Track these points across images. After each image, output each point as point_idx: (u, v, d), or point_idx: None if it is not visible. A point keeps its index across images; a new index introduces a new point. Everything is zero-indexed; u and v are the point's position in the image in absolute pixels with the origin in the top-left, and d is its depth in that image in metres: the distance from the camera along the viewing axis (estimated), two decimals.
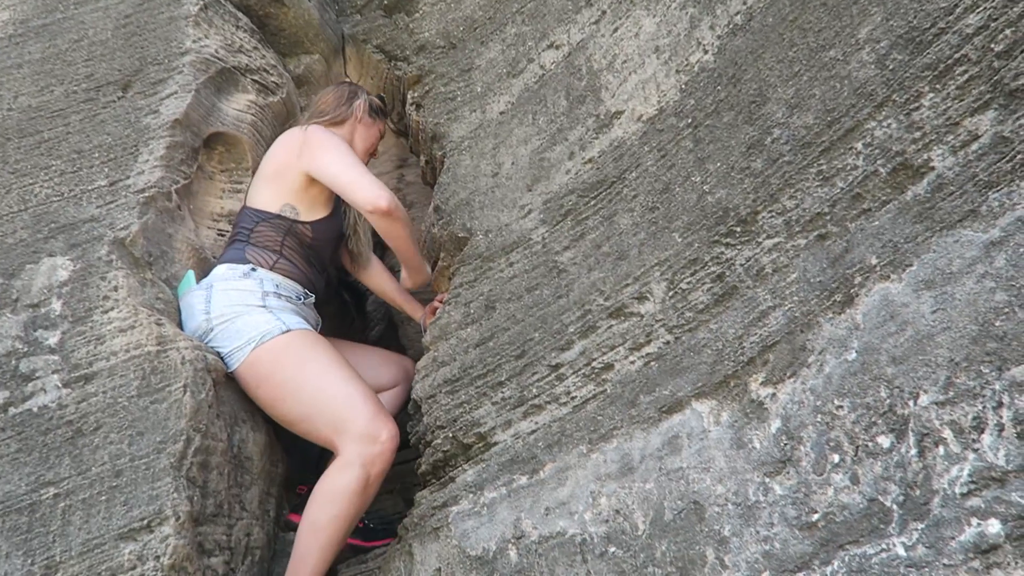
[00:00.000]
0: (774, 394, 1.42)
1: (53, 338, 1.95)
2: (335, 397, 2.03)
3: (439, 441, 2.00)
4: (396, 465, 2.21)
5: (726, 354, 1.53)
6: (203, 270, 2.26)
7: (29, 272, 2.05)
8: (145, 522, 1.73)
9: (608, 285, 1.80)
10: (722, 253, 1.59)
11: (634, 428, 1.65)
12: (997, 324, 1.06)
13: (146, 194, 2.10)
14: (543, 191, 2.06)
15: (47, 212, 2.15)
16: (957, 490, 1.06)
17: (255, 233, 2.25)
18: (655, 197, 1.78)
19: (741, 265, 1.54)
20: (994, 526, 1.01)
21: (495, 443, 1.91)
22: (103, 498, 1.76)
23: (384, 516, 2.50)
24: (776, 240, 1.47)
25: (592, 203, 1.93)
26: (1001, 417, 1.04)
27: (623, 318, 1.76)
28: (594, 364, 1.77)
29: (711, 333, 1.58)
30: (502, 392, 1.93)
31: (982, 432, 1.06)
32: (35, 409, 1.87)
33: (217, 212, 2.38)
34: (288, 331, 2.08)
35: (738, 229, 1.55)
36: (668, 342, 1.66)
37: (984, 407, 1.06)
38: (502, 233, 2.10)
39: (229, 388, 2.03)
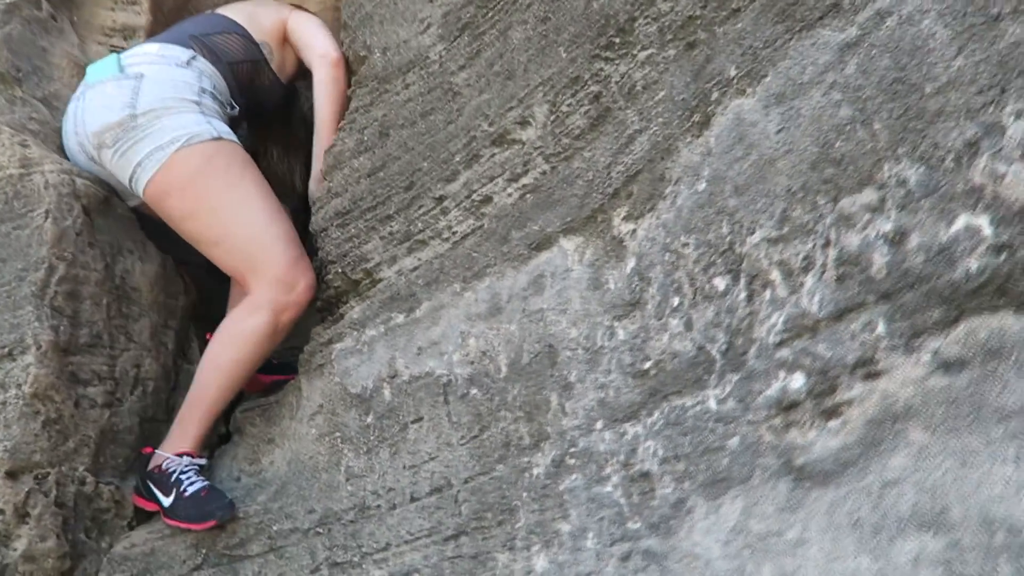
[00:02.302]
0: (634, 230, 1.26)
1: None
2: (256, 231, 1.87)
3: (330, 276, 1.90)
4: None
5: (595, 185, 1.37)
6: None
7: None
8: (7, 350, 1.67)
9: (493, 108, 1.61)
10: (601, 69, 1.38)
11: (505, 266, 1.52)
12: (837, 145, 0.88)
13: (7, 0, 1.90)
14: (442, 2, 1.82)
15: None
16: (771, 339, 0.93)
17: (216, 36, 2.00)
18: (548, 5, 1.55)
19: (616, 82, 1.34)
20: (797, 380, 0.88)
21: (380, 279, 1.80)
22: None
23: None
24: (649, 52, 1.26)
25: (489, 15, 1.70)
26: (827, 257, 0.88)
27: (505, 146, 1.58)
28: (474, 196, 1.62)
29: (584, 162, 1.40)
30: (390, 226, 1.79)
31: (809, 272, 0.91)
32: None
33: (108, 26, 2.18)
34: (219, 138, 1.85)
35: (617, 40, 1.34)
36: (544, 172, 1.49)
37: (814, 245, 0.90)
38: (400, 51, 1.89)
39: (109, 216, 1.91)
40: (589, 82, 1.41)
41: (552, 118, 1.49)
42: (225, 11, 2.08)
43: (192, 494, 1.73)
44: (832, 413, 0.84)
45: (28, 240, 1.73)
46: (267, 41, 2.10)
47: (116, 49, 2.19)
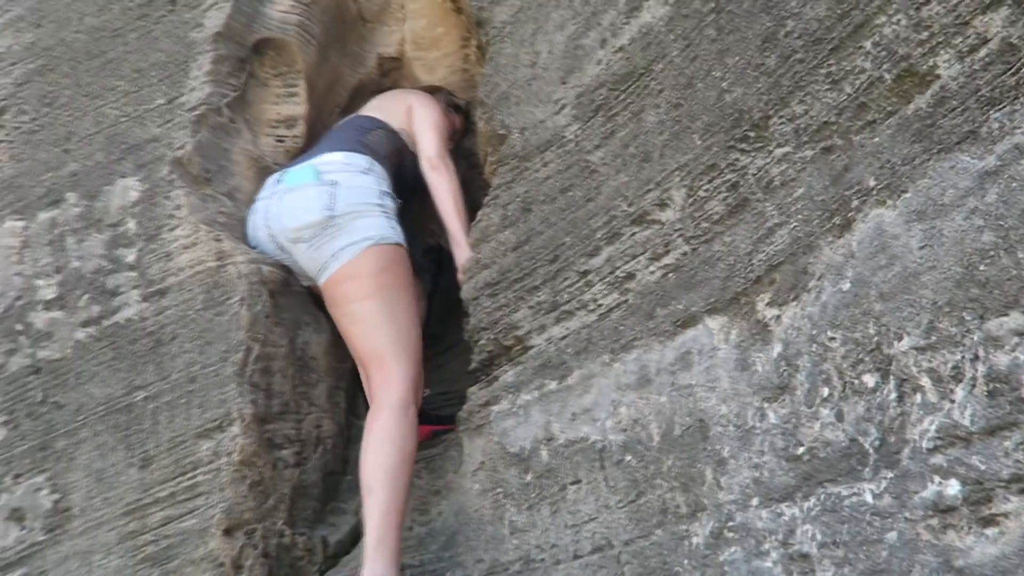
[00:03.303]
0: (778, 316, 1.35)
1: (131, 256, 2.14)
2: (412, 335, 2.10)
3: (483, 342, 2.07)
4: None
5: (737, 270, 1.46)
6: (263, 179, 2.34)
7: (106, 194, 2.23)
8: (217, 423, 1.94)
9: (631, 190, 1.73)
10: (737, 160, 1.47)
11: (652, 340, 1.64)
12: (981, 268, 0.95)
13: (197, 112, 2.18)
14: (576, 83, 1.95)
15: (117, 133, 2.30)
16: (924, 444, 1.00)
17: (370, 134, 2.31)
18: (679, 92, 1.65)
19: (753, 175, 1.43)
20: (953, 487, 0.95)
21: (531, 346, 1.95)
22: (182, 401, 1.99)
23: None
24: (786, 150, 1.35)
25: (622, 97, 1.82)
26: (976, 371, 0.95)
27: (645, 225, 1.69)
28: (617, 272, 1.74)
29: (725, 246, 1.50)
30: (537, 296, 1.94)
31: (959, 383, 0.98)
32: (122, 321, 2.09)
33: (274, 119, 2.44)
34: (400, 244, 2.14)
35: (752, 134, 1.43)
36: (685, 253, 1.59)
37: (963, 357, 0.98)
38: (537, 131, 2.04)
39: (289, 295, 2.16)
40: (726, 171, 1.50)
41: (690, 201, 1.59)
42: (364, 111, 2.41)
43: None
44: (989, 522, 0.91)
45: (228, 325, 2.00)
46: (403, 127, 2.37)
47: (282, 139, 2.47)
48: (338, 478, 2.24)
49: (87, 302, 2.14)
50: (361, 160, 2.18)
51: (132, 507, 1.95)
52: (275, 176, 2.23)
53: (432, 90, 2.67)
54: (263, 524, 1.94)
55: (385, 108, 2.41)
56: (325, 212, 2.05)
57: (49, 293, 2.19)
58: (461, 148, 2.78)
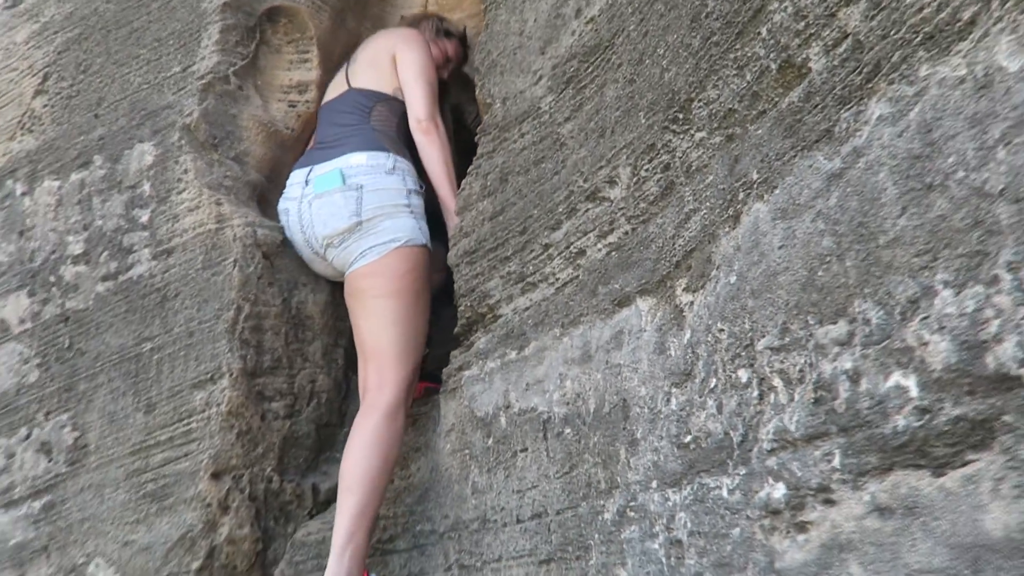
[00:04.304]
0: (692, 303, 1.35)
1: (144, 216, 2.30)
2: (418, 341, 2.20)
3: (463, 308, 2.13)
4: None
5: (664, 252, 1.45)
6: (275, 143, 2.44)
7: (127, 157, 2.39)
8: (209, 375, 2.09)
9: (587, 165, 1.73)
10: (670, 141, 1.45)
11: (595, 317, 1.65)
12: (819, 274, 0.93)
13: (204, 80, 2.29)
14: (552, 54, 1.94)
15: (138, 100, 2.44)
16: (765, 445, 1.01)
17: (375, 114, 2.35)
18: (633, 68, 1.63)
19: (679, 158, 1.41)
20: (780, 491, 0.96)
21: (500, 315, 2.00)
22: (182, 353, 2.15)
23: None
24: (702, 134, 1.32)
25: (590, 70, 1.80)
26: (810, 377, 0.95)
27: (597, 202, 1.69)
28: (572, 248, 1.75)
29: (657, 228, 1.49)
30: (508, 267, 1.98)
31: (800, 387, 0.98)
32: (135, 277, 2.27)
33: (286, 84, 2.53)
34: (426, 246, 2.23)
35: (680, 116, 1.40)
36: (627, 232, 1.59)
37: (806, 362, 0.97)
38: (517, 101, 2.04)
39: (286, 257, 2.28)
40: (661, 151, 1.48)
41: (634, 181, 1.58)
42: (357, 79, 2.37)
43: None
44: (801, 528, 0.91)
45: (222, 285, 2.13)
46: (397, 87, 2.37)
47: (294, 104, 2.55)
48: (334, 430, 2.37)
49: (107, 258, 2.32)
50: (384, 160, 2.23)
51: (137, 448, 2.14)
52: (301, 173, 2.28)
53: (418, 20, 2.63)
54: (250, 470, 2.10)
55: (375, 68, 2.39)
56: (353, 219, 2.15)
57: (77, 249, 2.38)
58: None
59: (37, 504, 2.23)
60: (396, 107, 2.38)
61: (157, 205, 2.29)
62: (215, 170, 2.30)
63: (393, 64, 2.38)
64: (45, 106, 2.63)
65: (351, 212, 2.16)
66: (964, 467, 0.72)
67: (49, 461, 2.25)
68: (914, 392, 0.76)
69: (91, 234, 2.37)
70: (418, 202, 2.27)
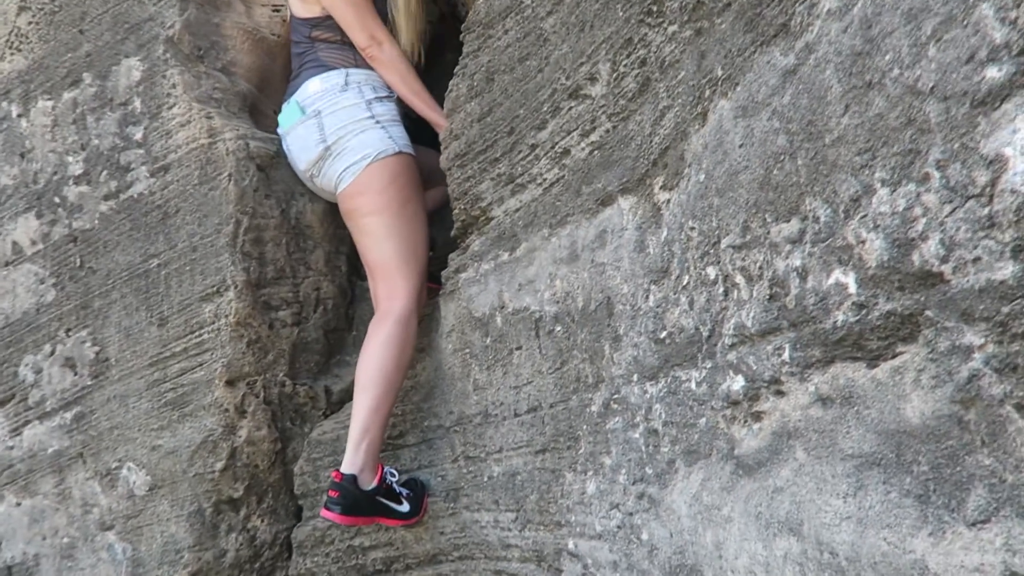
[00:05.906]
0: (668, 200, 1.36)
1: (139, 133, 2.31)
2: (419, 249, 2.21)
3: (457, 211, 2.15)
4: None
5: (643, 150, 1.45)
6: (262, 50, 2.42)
7: (115, 73, 2.38)
8: (215, 288, 2.15)
9: (568, 62, 1.70)
10: (646, 35, 1.42)
11: (580, 217, 1.67)
12: (775, 172, 0.95)
13: None
14: None
15: (120, 13, 2.40)
16: (727, 340, 1.05)
17: (316, 36, 2.24)
18: None
19: (654, 52, 1.39)
20: (739, 383, 1.01)
21: (492, 218, 2.02)
22: (187, 268, 2.21)
23: None
24: (674, 28, 1.30)
25: None
26: (766, 274, 0.98)
27: (579, 100, 1.68)
28: (557, 148, 1.75)
29: (636, 125, 1.48)
30: (498, 168, 1.98)
31: (758, 284, 1.01)
32: (135, 195, 2.30)
33: None
34: (399, 153, 2.19)
35: (655, 8, 1.37)
36: (608, 130, 1.59)
37: (764, 259, 1.00)
38: None
39: (281, 167, 2.29)
40: (638, 45, 1.46)
41: (614, 77, 1.56)
42: (295, 9, 2.24)
43: (409, 495, 2.08)
44: (756, 417, 0.95)
45: (219, 199, 2.16)
46: (321, 7, 2.19)
47: (277, 9, 2.50)
48: (342, 335, 2.46)
49: (106, 177, 2.35)
50: (337, 78, 2.17)
51: (155, 359, 2.24)
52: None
53: None
54: (263, 376, 2.19)
55: None
56: (320, 146, 2.14)
57: (77, 169, 2.42)
58: None
59: (68, 415, 2.36)
60: (333, 24, 2.23)
61: (149, 122, 2.29)
62: (203, 83, 2.28)
63: None
64: (30, 23, 2.60)
65: (316, 140, 2.15)
66: (894, 359, 0.75)
67: (75, 375, 2.36)
68: (852, 288, 0.78)
69: (89, 153, 2.40)
70: (385, 108, 2.22)
